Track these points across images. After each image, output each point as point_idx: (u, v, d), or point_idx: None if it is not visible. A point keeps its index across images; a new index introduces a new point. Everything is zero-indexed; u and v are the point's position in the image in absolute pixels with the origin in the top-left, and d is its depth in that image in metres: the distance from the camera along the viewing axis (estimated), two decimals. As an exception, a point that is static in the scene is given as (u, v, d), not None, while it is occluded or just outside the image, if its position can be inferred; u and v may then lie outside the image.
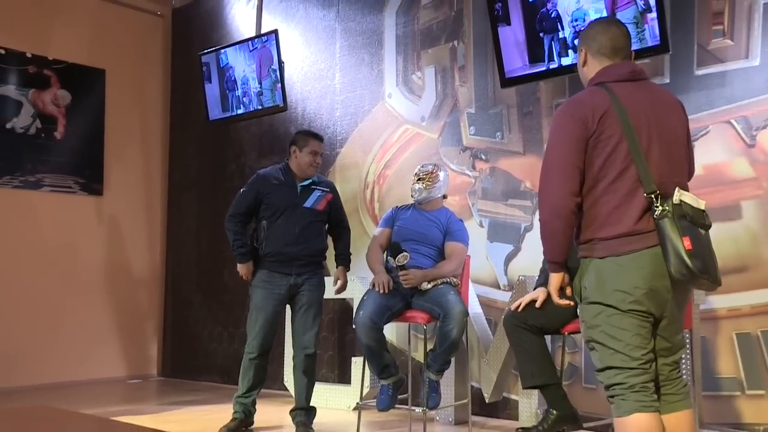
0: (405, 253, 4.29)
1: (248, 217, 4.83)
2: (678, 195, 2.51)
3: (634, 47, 4.27)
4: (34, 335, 6.84)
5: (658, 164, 2.57)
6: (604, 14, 4.33)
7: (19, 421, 2.52)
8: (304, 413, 4.73)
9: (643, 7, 4.17)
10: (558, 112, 2.72)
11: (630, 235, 2.55)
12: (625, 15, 4.27)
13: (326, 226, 4.91)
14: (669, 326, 2.66)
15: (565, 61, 4.54)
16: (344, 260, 4.93)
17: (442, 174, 4.69)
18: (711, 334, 4.28)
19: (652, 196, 2.51)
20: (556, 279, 2.74)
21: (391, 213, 4.81)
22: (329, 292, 5.03)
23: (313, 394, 4.82)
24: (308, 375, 4.75)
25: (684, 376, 2.80)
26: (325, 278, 4.98)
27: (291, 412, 4.78)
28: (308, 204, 4.74)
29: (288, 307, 4.90)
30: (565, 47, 4.52)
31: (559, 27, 4.52)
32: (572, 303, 2.79)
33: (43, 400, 5.90)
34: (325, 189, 4.85)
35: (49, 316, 6.95)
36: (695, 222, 2.51)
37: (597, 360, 2.66)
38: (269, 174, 4.84)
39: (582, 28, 4.21)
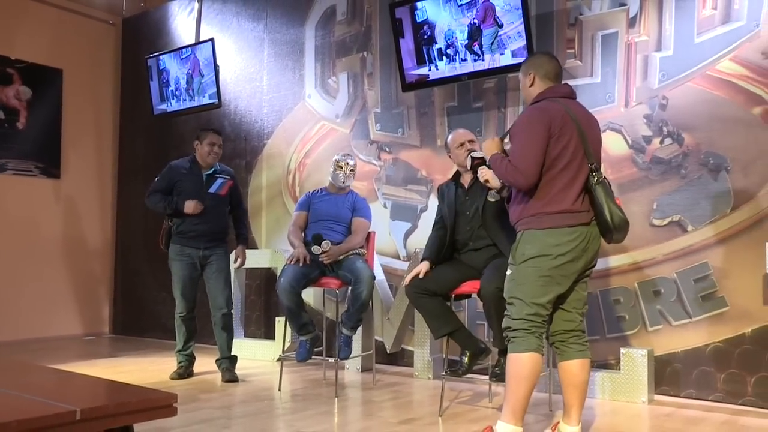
0: (327, 241, 4.30)
1: (164, 195, 4.82)
2: (603, 172, 2.92)
3: (507, 63, 4.61)
4: (1, 299, 6.76)
5: (592, 153, 2.91)
6: (465, 34, 4.73)
7: (-11, 372, 2.42)
8: (228, 360, 4.82)
9: (499, 27, 4.58)
10: (524, 117, 2.95)
11: (569, 212, 2.84)
12: (488, 32, 4.65)
13: (228, 208, 4.94)
14: (583, 284, 2.99)
15: (440, 65, 4.91)
16: (243, 240, 5.01)
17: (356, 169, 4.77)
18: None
19: (593, 166, 2.86)
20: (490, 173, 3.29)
21: (306, 198, 4.78)
22: (250, 264, 5.06)
23: (233, 345, 4.88)
24: (227, 330, 4.82)
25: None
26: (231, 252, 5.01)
27: (216, 361, 4.85)
28: (212, 189, 4.80)
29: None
30: (440, 54, 4.90)
31: (435, 41, 4.90)
32: (493, 187, 3.39)
33: (8, 354, 5.83)
34: (227, 177, 4.91)
35: (13, 282, 6.87)
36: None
37: (515, 311, 2.86)
38: (179, 165, 4.88)
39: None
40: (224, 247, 4.90)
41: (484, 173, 3.41)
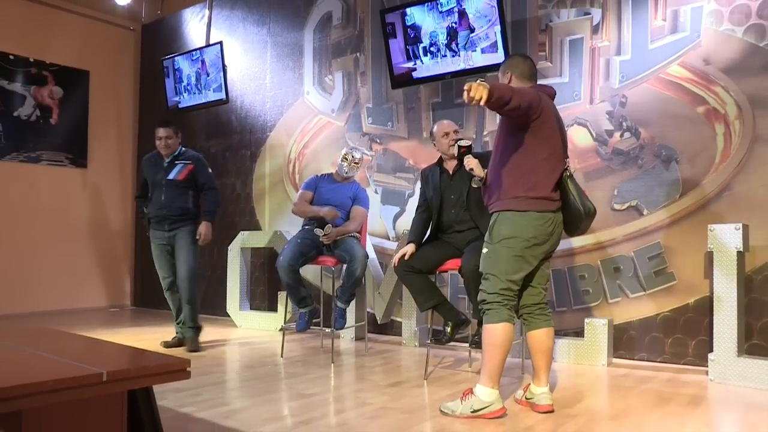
0: (329, 225, 4.33)
1: (143, 191, 4.86)
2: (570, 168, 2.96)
3: (479, 59, 4.69)
4: (35, 274, 6.85)
5: (565, 150, 2.96)
6: (445, 35, 4.82)
7: (26, 339, 2.42)
8: (192, 330, 4.74)
9: (471, 30, 4.68)
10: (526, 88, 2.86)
11: (547, 199, 2.85)
12: (461, 34, 4.74)
13: (194, 190, 4.77)
14: (547, 263, 3.03)
15: (425, 60, 5.01)
16: (207, 216, 4.72)
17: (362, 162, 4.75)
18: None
19: (567, 160, 2.92)
20: (475, 162, 3.27)
21: (314, 180, 4.72)
22: (255, 243, 5.01)
23: (198, 317, 4.77)
24: (190, 303, 4.69)
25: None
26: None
27: (178, 324, 4.79)
28: (171, 176, 4.70)
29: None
30: (424, 51, 5.00)
31: (421, 40, 5.00)
32: (476, 175, 3.27)
33: (43, 323, 5.86)
34: (187, 162, 4.76)
35: (46, 259, 6.95)
36: None
37: (489, 286, 2.87)
38: (148, 158, 4.87)
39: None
40: (189, 226, 4.71)
41: (470, 162, 3.37)
